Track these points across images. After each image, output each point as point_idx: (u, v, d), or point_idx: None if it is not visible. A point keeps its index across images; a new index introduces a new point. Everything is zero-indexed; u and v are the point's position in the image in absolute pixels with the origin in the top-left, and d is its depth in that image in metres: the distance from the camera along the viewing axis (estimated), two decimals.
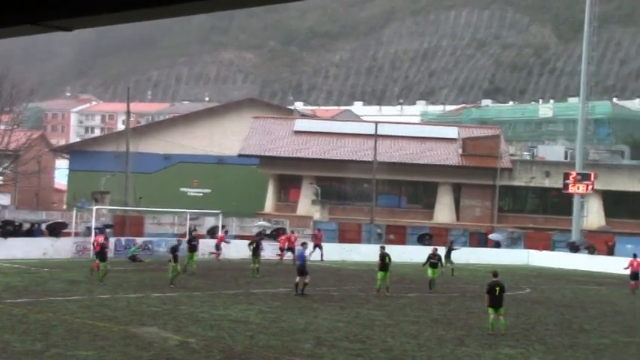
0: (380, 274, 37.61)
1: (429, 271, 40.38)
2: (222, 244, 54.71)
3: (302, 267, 35.27)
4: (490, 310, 26.53)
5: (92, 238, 50.35)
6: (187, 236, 53.14)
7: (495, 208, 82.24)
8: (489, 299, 26.61)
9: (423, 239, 68.24)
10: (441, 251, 44.03)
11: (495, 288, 26.64)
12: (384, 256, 37.91)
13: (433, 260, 40.55)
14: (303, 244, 38.16)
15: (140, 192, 77.05)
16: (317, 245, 58.50)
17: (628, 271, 47.43)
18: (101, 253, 38.63)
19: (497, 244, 70.59)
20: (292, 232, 61.96)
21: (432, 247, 44.68)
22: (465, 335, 25.79)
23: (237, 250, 56.02)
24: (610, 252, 67.17)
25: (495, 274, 27.55)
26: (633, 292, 46.09)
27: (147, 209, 68.72)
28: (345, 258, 60.65)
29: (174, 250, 38.10)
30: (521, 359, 22.26)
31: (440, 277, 41.41)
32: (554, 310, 34.43)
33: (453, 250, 53.96)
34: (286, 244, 56.26)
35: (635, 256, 49.59)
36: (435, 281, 40.33)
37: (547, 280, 52.13)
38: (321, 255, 58.40)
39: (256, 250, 45.42)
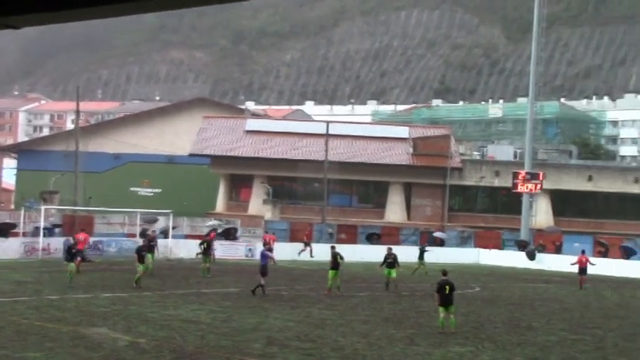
0: (331, 273, 37.70)
1: (386, 271, 40.26)
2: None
3: (264, 268, 35.30)
4: (440, 309, 26.64)
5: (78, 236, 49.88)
6: (139, 236, 53.01)
7: (446, 208, 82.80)
8: (439, 298, 26.72)
9: (371, 238, 68.59)
10: (398, 250, 43.75)
11: (445, 287, 26.76)
12: (335, 256, 38.05)
13: (389, 260, 40.38)
14: (266, 245, 38.10)
15: (90, 192, 76.38)
16: (307, 243, 62.62)
17: (576, 267, 48.57)
18: (68, 253, 37.79)
19: (441, 242, 70.98)
20: (267, 232, 62.89)
21: (386, 247, 44.61)
22: (416, 334, 25.92)
23: (188, 249, 55.85)
24: (557, 251, 68.09)
25: (445, 273, 27.70)
26: (581, 287, 47.07)
27: (97, 209, 68.17)
28: (296, 257, 60.71)
29: (140, 250, 37.77)
30: (470, 357, 22.41)
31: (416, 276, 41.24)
32: (504, 309, 34.75)
33: (426, 251, 54.51)
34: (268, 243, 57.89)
35: (583, 252, 50.95)
36: (395, 282, 40.08)
37: (497, 279, 52.62)
38: (310, 251, 60.88)
39: (207, 250, 45.38)
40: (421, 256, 53.10)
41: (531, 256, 67.14)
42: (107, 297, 32.57)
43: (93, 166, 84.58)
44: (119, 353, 20.65)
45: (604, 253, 64.29)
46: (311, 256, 60.56)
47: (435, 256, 65.15)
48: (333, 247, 40.66)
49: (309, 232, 65.90)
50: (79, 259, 41.45)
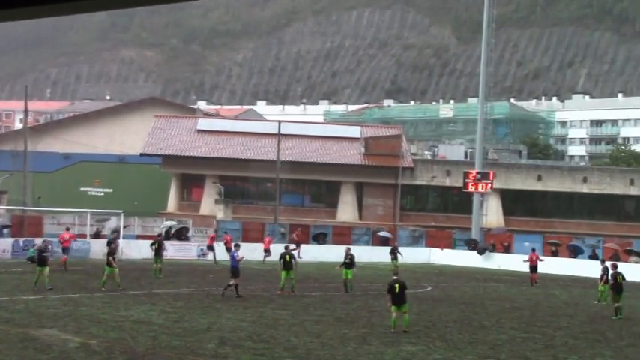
0: (284, 274, 37.66)
1: (343, 272, 40.05)
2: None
3: (235, 269, 35.12)
4: (393, 308, 26.71)
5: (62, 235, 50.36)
6: (89, 237, 52.55)
7: (397, 207, 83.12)
8: (391, 298, 26.80)
9: (317, 238, 68.57)
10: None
11: (395, 286, 26.85)
12: (283, 256, 38.06)
13: (347, 260, 40.07)
14: (236, 246, 37.83)
15: (39, 192, 75.53)
16: (297, 243, 62.34)
17: (527, 265, 49.92)
18: (39, 257, 36.38)
19: (384, 241, 70.83)
20: (226, 232, 62.50)
21: (345, 247, 44.55)
22: (368, 333, 25.99)
23: (139, 250, 55.45)
24: (506, 251, 68.66)
25: (395, 273, 27.87)
26: (532, 284, 48.18)
27: (46, 209, 67.44)
28: (248, 257, 60.39)
29: (111, 253, 37.35)
30: (422, 356, 22.52)
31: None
32: (455, 307, 34.95)
33: (398, 252, 54.81)
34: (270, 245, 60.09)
35: (533, 250, 52.37)
36: (352, 283, 39.93)
37: (448, 278, 52.93)
38: (298, 252, 61.24)
39: (158, 250, 45.10)
40: (395, 257, 53.69)
41: (482, 252, 68.00)
42: (57, 298, 32.21)
43: (42, 166, 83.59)
44: (69, 355, 20.43)
45: (555, 252, 64.93)
46: (298, 257, 60.56)
47: (387, 255, 65.48)
48: (286, 247, 40.60)
49: (299, 233, 65.68)
50: (64, 256, 44.19)
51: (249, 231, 69.10)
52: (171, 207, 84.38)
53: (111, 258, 36.74)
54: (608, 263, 39.48)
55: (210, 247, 58.76)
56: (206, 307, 30.86)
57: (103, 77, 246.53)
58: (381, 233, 72.19)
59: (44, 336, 22.97)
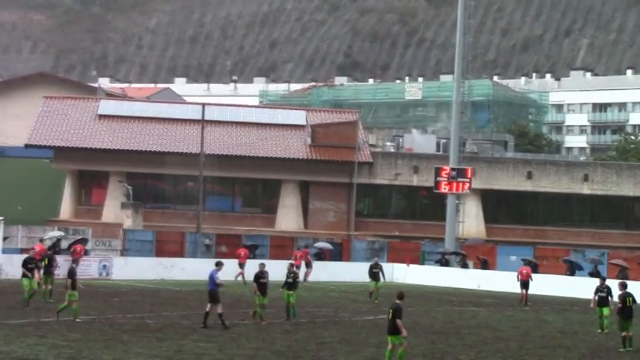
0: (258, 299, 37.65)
1: (285, 295, 39.62)
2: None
3: (213, 293, 34.74)
4: (388, 339, 26.42)
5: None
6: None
7: (352, 212, 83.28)
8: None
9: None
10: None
11: (389, 311, 26.74)
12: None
13: (289, 280, 39.89)
14: (218, 265, 37.37)
15: None
16: (307, 263, 63.01)
17: (518, 284, 51.68)
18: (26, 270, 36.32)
19: (321, 255, 70.02)
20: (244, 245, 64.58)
21: (288, 263, 44.34)
22: None
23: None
24: (484, 267, 68.82)
25: (400, 297, 27.54)
26: (523, 302, 50.03)
27: None
28: (163, 276, 60.21)
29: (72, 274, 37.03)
30: None
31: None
32: (424, 338, 35.09)
33: (378, 270, 53.95)
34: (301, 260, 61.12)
35: (525, 263, 53.55)
36: (295, 307, 39.73)
37: (415, 301, 53.00)
38: (306, 275, 61.47)
39: (48, 268, 44.41)
40: (374, 276, 52.62)
41: (445, 263, 69.45)
42: None
43: None
44: None
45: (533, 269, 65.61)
46: (304, 281, 60.10)
47: (339, 272, 65.58)
48: (262, 265, 40.21)
49: (303, 254, 64.41)
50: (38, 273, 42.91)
51: (164, 242, 68.73)
52: (65, 212, 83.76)
53: (73, 280, 36.36)
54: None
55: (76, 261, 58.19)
56: (109, 340, 30.65)
57: None
58: (318, 244, 71.30)
59: None
